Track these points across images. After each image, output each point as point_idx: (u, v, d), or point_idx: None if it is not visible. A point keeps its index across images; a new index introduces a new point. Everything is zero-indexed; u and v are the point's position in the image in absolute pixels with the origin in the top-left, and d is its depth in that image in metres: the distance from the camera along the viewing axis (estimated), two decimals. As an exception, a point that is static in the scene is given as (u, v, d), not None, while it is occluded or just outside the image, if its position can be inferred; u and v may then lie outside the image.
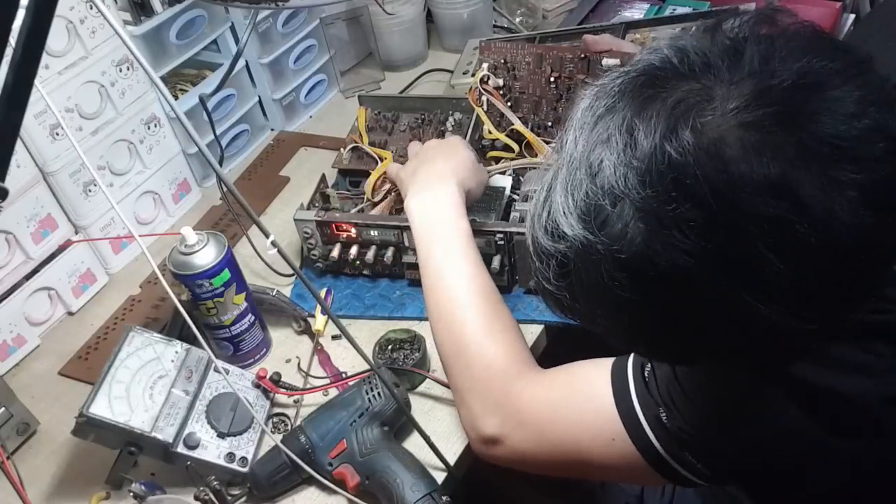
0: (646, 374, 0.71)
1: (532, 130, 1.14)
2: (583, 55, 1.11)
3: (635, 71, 0.57)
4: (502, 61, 1.16)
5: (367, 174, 1.14)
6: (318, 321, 1.06)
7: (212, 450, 0.89)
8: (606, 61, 1.08)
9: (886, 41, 0.80)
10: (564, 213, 0.56)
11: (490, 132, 1.14)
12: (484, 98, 1.14)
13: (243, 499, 0.89)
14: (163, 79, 1.23)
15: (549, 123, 1.16)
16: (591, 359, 0.78)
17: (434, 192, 0.93)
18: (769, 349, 0.57)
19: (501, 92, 1.16)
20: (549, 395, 0.78)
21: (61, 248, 1.12)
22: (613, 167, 0.54)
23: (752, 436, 0.65)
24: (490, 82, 1.14)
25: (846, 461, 0.62)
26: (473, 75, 1.17)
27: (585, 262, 0.55)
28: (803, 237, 0.50)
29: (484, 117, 1.14)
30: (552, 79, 1.14)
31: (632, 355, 0.74)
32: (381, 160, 1.15)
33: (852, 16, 1.63)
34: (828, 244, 0.51)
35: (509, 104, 1.15)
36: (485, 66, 1.15)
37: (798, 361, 0.60)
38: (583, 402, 0.75)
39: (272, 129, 1.44)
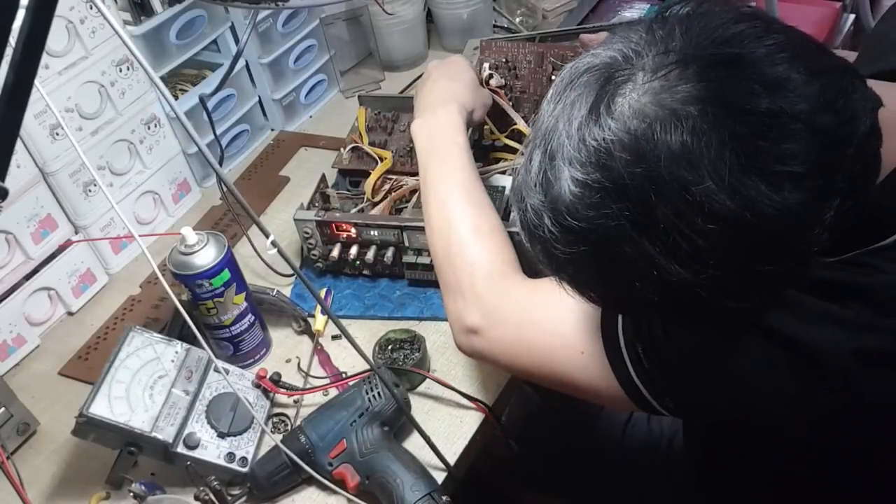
0: None
1: (533, 130, 1.14)
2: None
3: (593, 55, 0.62)
4: (503, 60, 1.16)
5: (367, 174, 1.14)
6: (318, 321, 1.06)
7: (212, 450, 0.89)
8: None
9: None
10: (524, 179, 0.63)
11: (492, 132, 1.14)
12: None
13: (243, 499, 0.89)
14: (163, 79, 1.23)
15: (551, 123, 1.16)
16: None
17: (436, 114, 0.98)
18: (693, 307, 0.61)
19: (503, 91, 1.15)
20: (533, 300, 0.83)
21: (61, 248, 1.12)
22: (557, 139, 0.60)
23: (724, 379, 0.67)
24: (493, 81, 1.14)
25: (812, 414, 0.65)
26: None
27: (533, 220, 0.62)
28: (701, 205, 0.54)
29: (489, 122, 1.14)
30: (553, 77, 1.14)
31: None
32: (381, 160, 1.15)
33: (852, 16, 1.63)
34: (726, 212, 0.54)
35: (510, 103, 1.15)
36: (486, 65, 1.15)
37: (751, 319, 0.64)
38: (563, 314, 0.79)
39: (272, 129, 1.44)
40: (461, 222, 0.90)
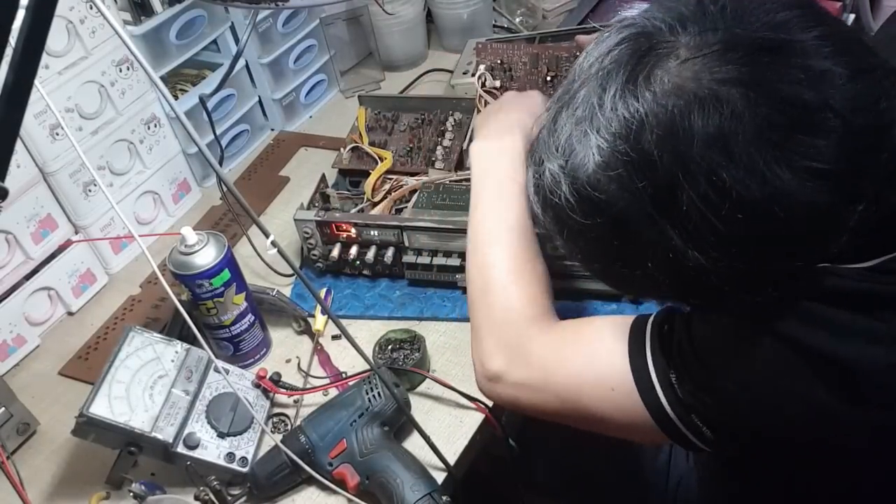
0: (663, 333, 0.71)
1: (531, 130, 1.14)
2: (578, 53, 1.11)
3: (627, 26, 0.61)
4: (499, 62, 1.16)
5: (367, 174, 1.14)
6: (318, 321, 1.06)
7: (212, 450, 0.89)
8: None
9: None
10: (546, 142, 0.63)
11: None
12: (483, 100, 1.14)
13: (243, 499, 0.89)
14: (163, 79, 1.23)
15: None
16: (611, 315, 0.80)
17: (501, 141, 0.94)
18: (703, 293, 0.60)
19: (500, 92, 1.16)
20: (561, 341, 0.80)
21: (61, 248, 1.12)
22: (585, 107, 0.59)
23: (762, 401, 0.65)
24: (487, 83, 1.14)
25: (854, 430, 0.63)
26: (473, 75, 1.17)
27: (550, 185, 0.62)
28: (729, 191, 0.53)
29: None
30: (548, 78, 1.14)
31: (653, 314, 0.74)
32: (381, 160, 1.15)
33: (852, 16, 1.63)
34: (754, 201, 0.53)
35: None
36: (482, 67, 1.15)
37: (772, 318, 0.61)
38: (592, 352, 0.76)
39: (272, 129, 1.44)
40: (503, 265, 0.86)
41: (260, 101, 1.39)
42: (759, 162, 0.52)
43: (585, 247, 0.64)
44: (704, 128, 0.53)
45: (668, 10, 0.59)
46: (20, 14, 0.58)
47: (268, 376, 0.96)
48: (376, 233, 1.06)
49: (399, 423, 0.91)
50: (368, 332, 1.03)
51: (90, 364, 1.08)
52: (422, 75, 1.49)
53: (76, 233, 1.14)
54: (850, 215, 0.56)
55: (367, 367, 0.87)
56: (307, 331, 1.07)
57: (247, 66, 1.34)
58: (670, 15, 0.58)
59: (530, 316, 0.83)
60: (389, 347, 0.99)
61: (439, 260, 1.04)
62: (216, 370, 0.93)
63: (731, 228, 0.54)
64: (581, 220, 0.60)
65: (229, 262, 0.95)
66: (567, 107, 0.61)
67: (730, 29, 0.55)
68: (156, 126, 1.20)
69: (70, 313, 1.16)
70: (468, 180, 1.11)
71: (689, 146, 0.53)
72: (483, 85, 1.14)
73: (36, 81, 0.60)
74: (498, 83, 1.15)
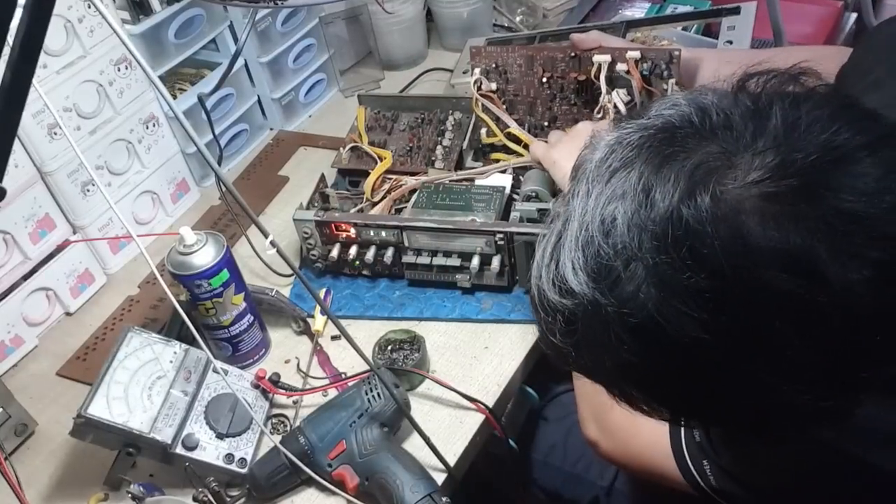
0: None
1: (529, 131, 1.14)
2: (573, 54, 1.11)
3: (654, 127, 0.55)
4: (493, 66, 1.15)
5: (366, 174, 1.14)
6: (318, 321, 1.05)
7: (210, 451, 0.88)
8: (597, 58, 1.07)
9: (890, 76, 0.76)
10: (574, 268, 0.54)
11: (489, 135, 1.14)
12: (481, 103, 1.14)
13: (242, 500, 0.89)
14: (161, 78, 1.23)
15: (546, 123, 1.16)
16: None
17: None
18: (784, 421, 0.56)
19: (496, 95, 1.15)
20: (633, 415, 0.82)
21: (59, 249, 1.11)
22: (627, 226, 0.52)
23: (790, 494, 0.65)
24: (483, 87, 1.14)
25: None
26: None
27: (593, 322, 0.53)
28: (822, 313, 0.49)
29: (490, 123, 1.14)
30: (544, 79, 1.14)
31: None
32: (381, 160, 1.14)
33: (854, 15, 1.63)
34: (848, 320, 0.49)
35: (504, 107, 1.15)
36: (476, 70, 1.15)
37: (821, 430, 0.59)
38: (655, 427, 0.79)
39: (271, 129, 1.44)
40: None
41: (259, 101, 1.39)
42: (848, 278, 0.48)
43: (636, 383, 0.57)
44: (787, 251, 0.48)
45: (701, 109, 0.54)
46: (18, 13, 0.58)
47: (267, 377, 0.96)
48: (376, 233, 1.05)
49: (399, 424, 0.90)
50: (368, 333, 1.02)
51: (88, 365, 1.07)
52: (421, 74, 1.48)
53: (74, 233, 1.13)
54: None
55: (367, 367, 0.87)
56: (306, 331, 1.06)
57: (246, 65, 1.34)
58: (706, 113, 0.53)
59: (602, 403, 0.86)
60: (389, 348, 0.99)
61: (439, 260, 1.03)
62: (215, 371, 0.93)
63: (826, 353, 0.50)
64: (635, 359, 0.53)
65: (228, 262, 0.95)
66: (594, 222, 0.53)
67: (785, 143, 0.51)
68: (154, 125, 1.19)
69: (68, 314, 1.15)
70: (468, 180, 1.11)
71: (772, 272, 0.48)
72: (479, 89, 1.14)
73: (34, 81, 0.60)
74: (494, 86, 1.15)
